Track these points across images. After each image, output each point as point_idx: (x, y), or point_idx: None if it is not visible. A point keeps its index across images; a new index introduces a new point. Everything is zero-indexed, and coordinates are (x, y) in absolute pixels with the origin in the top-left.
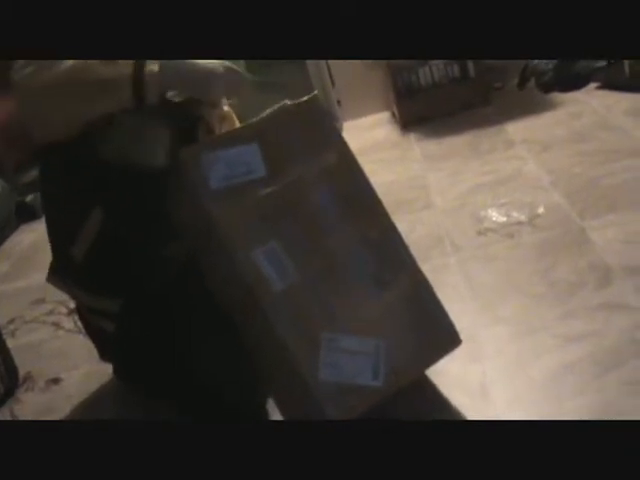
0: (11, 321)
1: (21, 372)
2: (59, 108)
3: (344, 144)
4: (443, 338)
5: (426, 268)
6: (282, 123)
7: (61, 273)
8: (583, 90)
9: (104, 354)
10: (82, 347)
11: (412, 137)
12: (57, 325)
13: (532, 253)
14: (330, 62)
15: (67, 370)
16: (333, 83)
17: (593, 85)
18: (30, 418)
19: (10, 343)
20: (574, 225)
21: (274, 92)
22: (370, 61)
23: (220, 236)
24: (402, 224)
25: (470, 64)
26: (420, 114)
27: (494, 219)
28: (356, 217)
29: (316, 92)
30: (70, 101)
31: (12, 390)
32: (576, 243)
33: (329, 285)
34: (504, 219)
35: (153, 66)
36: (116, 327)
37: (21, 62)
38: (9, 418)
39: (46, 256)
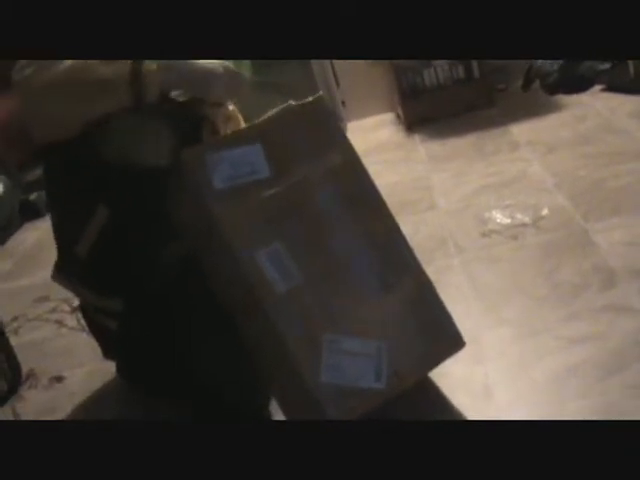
0: (14, 319)
1: (24, 370)
2: (59, 108)
3: (349, 145)
4: (446, 341)
5: (430, 269)
6: (287, 123)
7: (66, 271)
8: (588, 92)
9: (107, 352)
10: (85, 345)
11: (416, 138)
12: (60, 323)
13: (536, 255)
14: (335, 63)
15: (70, 368)
16: (338, 83)
17: (597, 87)
18: (33, 416)
19: (13, 341)
20: (578, 227)
21: (275, 92)
22: (374, 61)
23: (223, 236)
24: (406, 225)
25: (475, 65)
26: (424, 115)
27: (498, 221)
28: (360, 218)
29: (321, 93)
30: (69, 101)
31: (15, 388)
32: (580, 245)
33: (332, 287)
34: (508, 221)
35: (152, 66)
36: (118, 326)
37: (22, 62)
38: (12, 416)
39: (50, 254)
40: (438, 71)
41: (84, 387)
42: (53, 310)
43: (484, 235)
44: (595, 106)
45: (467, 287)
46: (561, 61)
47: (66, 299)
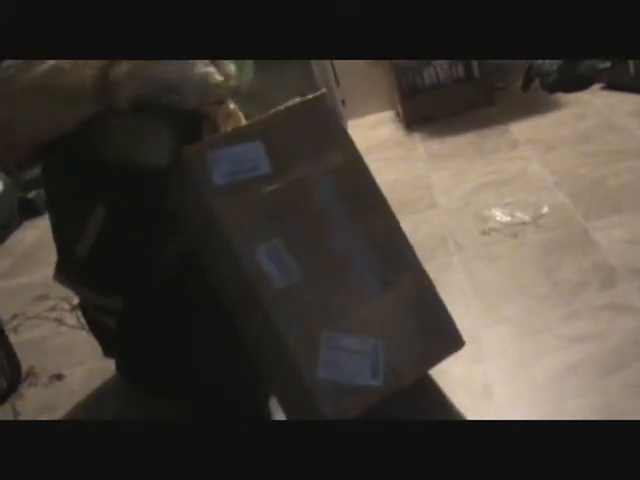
0: (14, 317)
1: (24, 368)
2: (35, 112)
3: (350, 142)
4: (446, 340)
5: (430, 267)
6: (288, 121)
7: (66, 271)
8: (587, 91)
9: (107, 350)
10: (85, 343)
11: (416, 137)
12: (60, 321)
13: (536, 253)
14: (335, 61)
15: (70, 366)
16: (338, 82)
17: (597, 86)
18: (33, 414)
19: (13, 339)
20: (578, 225)
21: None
22: (374, 60)
23: (222, 232)
24: (406, 223)
25: (474, 64)
26: (424, 114)
27: (498, 219)
28: (361, 216)
29: (324, 90)
30: (41, 109)
31: (15, 386)
32: (580, 243)
33: (331, 284)
34: (508, 219)
35: (121, 72)
36: (117, 326)
37: (7, 63)
38: (12, 413)
39: (49, 252)
40: (438, 70)
41: (84, 385)
42: (53, 308)
43: (484, 233)
44: (595, 104)
45: (467, 285)
46: (561, 60)
47: (66, 297)
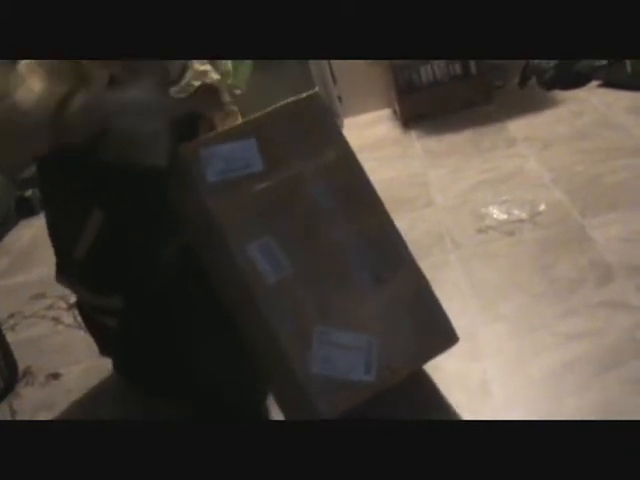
0: (11, 316)
1: (21, 367)
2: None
3: (344, 141)
4: (440, 336)
5: (426, 265)
6: (282, 119)
7: (66, 272)
8: (584, 88)
9: (104, 349)
10: (82, 342)
11: (413, 134)
12: (57, 320)
13: (533, 251)
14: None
15: (67, 365)
16: (334, 80)
17: (594, 83)
18: (30, 413)
19: (10, 338)
20: (575, 223)
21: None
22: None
23: (216, 228)
24: (403, 221)
25: (472, 62)
26: (421, 111)
27: (495, 216)
28: (354, 213)
29: (317, 89)
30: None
31: (12, 385)
32: (577, 241)
33: (324, 280)
34: (505, 216)
35: (75, 107)
36: (117, 326)
37: None
38: (8, 412)
39: (46, 251)
40: (435, 68)
41: (80, 384)
42: (49, 307)
43: (481, 231)
44: (592, 102)
45: (464, 283)
46: None
47: (62, 296)
